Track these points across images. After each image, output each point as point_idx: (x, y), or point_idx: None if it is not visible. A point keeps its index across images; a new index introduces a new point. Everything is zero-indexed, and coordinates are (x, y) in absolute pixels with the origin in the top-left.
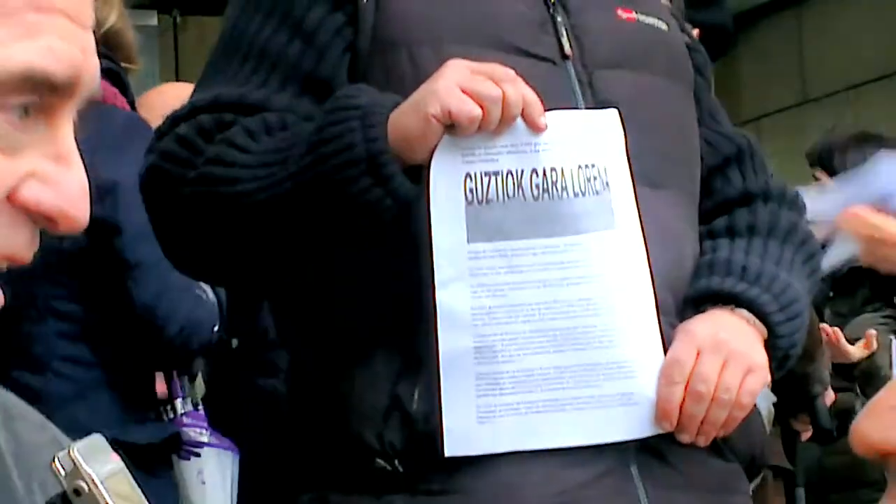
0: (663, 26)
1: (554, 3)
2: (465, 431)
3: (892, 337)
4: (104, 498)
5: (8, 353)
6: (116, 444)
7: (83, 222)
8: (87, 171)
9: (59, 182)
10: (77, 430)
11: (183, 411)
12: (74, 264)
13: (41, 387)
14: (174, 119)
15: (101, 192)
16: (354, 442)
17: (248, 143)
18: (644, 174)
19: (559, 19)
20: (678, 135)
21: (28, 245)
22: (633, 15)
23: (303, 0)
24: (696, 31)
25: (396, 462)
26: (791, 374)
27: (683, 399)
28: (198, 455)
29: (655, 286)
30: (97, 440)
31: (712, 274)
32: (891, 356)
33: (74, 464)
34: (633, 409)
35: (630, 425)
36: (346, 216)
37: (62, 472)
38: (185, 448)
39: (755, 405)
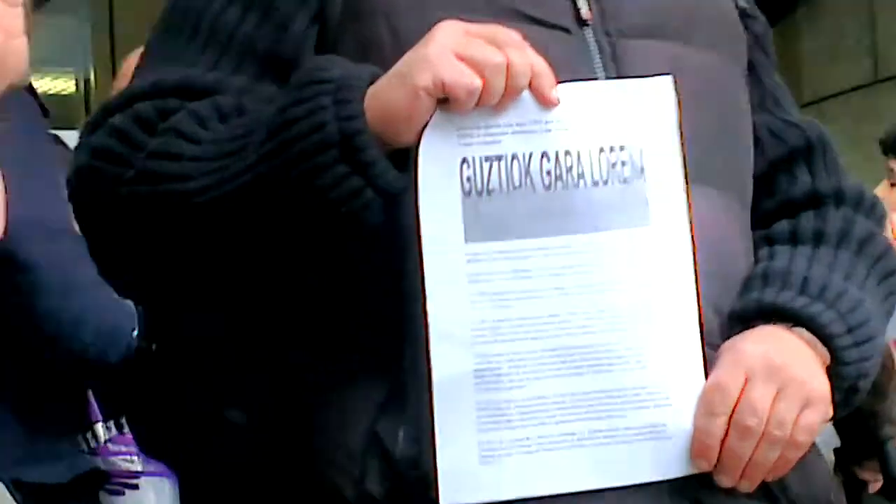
0: None
1: None
2: (464, 474)
3: None
4: None
5: None
6: (19, 487)
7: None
8: None
9: None
10: None
11: (107, 437)
12: None
13: None
14: (105, 109)
15: None
16: (326, 492)
17: (198, 132)
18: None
19: None
20: (723, 121)
21: None
22: None
23: None
24: None
25: None
26: (858, 412)
27: (726, 434)
28: (135, 487)
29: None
30: None
31: (766, 286)
32: None
33: None
34: (665, 444)
35: (661, 464)
36: (318, 214)
37: None
38: (113, 481)
39: (815, 445)
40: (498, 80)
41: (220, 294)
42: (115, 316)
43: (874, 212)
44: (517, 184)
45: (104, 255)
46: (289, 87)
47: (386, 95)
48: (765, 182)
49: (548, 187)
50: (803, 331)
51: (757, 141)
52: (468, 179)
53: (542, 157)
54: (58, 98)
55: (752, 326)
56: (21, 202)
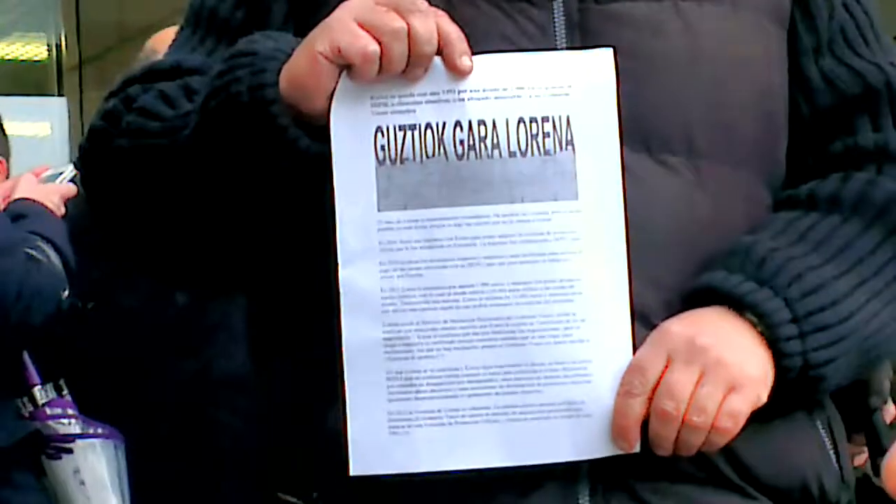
0: None
1: None
2: (374, 445)
3: None
4: None
5: None
6: None
7: None
8: None
9: None
10: None
11: (45, 401)
12: None
13: None
14: (111, 93)
15: None
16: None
17: (161, 110)
18: (659, 138)
19: None
20: (724, 81)
21: None
22: None
23: None
24: None
25: (315, 494)
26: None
27: (648, 418)
28: (69, 451)
29: (632, 278)
30: None
31: (721, 267)
32: None
33: None
34: (584, 422)
35: (579, 444)
36: (246, 183)
37: None
38: (51, 446)
39: (814, 427)
40: (397, 45)
41: (189, 243)
42: (37, 280)
43: None
44: (430, 153)
45: (102, 209)
46: (223, 59)
47: (292, 63)
48: (819, 134)
49: (461, 156)
50: (749, 312)
51: (809, 89)
52: (382, 148)
53: (456, 126)
54: (29, 64)
55: (697, 306)
56: None
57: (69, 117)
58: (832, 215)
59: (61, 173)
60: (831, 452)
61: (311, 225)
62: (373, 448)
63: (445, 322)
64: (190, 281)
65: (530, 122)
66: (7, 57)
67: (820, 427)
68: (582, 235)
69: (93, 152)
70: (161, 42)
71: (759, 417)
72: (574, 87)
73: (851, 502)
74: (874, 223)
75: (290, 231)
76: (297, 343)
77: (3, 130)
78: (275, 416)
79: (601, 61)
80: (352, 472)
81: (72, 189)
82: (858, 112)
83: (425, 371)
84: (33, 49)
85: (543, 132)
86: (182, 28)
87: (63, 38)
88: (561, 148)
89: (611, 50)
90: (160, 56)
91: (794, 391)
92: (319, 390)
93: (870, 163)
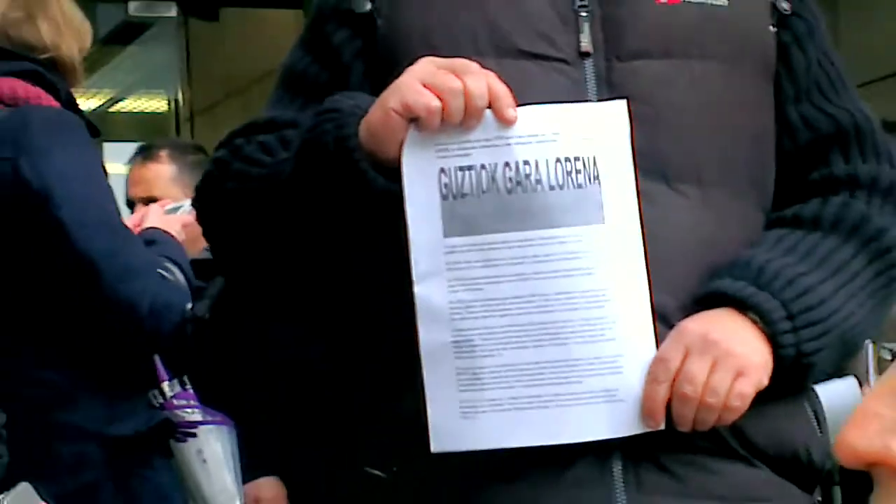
0: (721, 1)
1: None
2: (449, 427)
3: (870, 343)
4: None
5: None
6: (106, 442)
7: None
8: (15, 172)
9: None
10: (66, 435)
11: (172, 394)
12: (27, 268)
13: (23, 398)
14: (220, 144)
15: (37, 201)
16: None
17: (262, 158)
18: (672, 170)
19: (584, 15)
20: (731, 125)
21: None
22: None
23: (332, 25)
24: None
25: (394, 468)
26: None
27: (671, 401)
28: (193, 435)
29: (653, 286)
30: (24, 489)
31: (727, 274)
32: (868, 363)
33: None
34: (617, 406)
35: (612, 423)
36: (333, 217)
37: None
38: (178, 431)
39: (805, 406)
40: (455, 101)
41: (298, 288)
42: (168, 295)
43: (891, 194)
44: (485, 188)
45: (214, 238)
46: (313, 115)
47: (369, 118)
48: (800, 166)
49: (510, 191)
50: (752, 313)
51: (791, 129)
52: (445, 185)
53: (505, 166)
54: (152, 115)
55: (708, 308)
56: (84, 209)
57: None
58: (815, 232)
59: (181, 206)
60: (816, 427)
61: (385, 250)
62: (448, 430)
63: (502, 327)
64: (286, 296)
65: (565, 161)
66: (134, 110)
67: (807, 407)
68: (608, 252)
69: (205, 192)
70: None
71: (759, 399)
72: (598, 133)
73: (834, 468)
74: (850, 238)
75: (367, 256)
76: (374, 346)
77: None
78: (359, 405)
79: (618, 111)
80: (433, 450)
81: (189, 219)
82: (832, 148)
83: (487, 367)
84: (155, 103)
85: (576, 169)
86: (276, 88)
87: (180, 94)
88: (590, 182)
89: (625, 101)
90: None
91: (788, 377)
92: (394, 384)
93: (843, 189)
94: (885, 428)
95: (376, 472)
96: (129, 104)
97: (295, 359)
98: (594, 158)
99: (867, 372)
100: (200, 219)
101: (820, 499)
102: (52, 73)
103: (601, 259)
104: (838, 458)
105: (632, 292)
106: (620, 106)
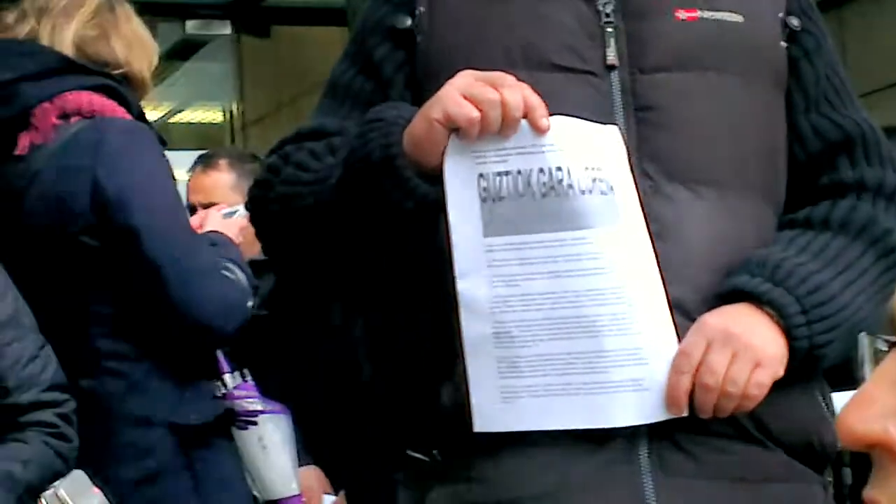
0: (736, 18)
1: (609, 14)
2: (490, 410)
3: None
4: None
5: (66, 364)
6: (175, 429)
7: None
8: (93, 181)
9: None
10: (136, 422)
11: (234, 385)
12: (104, 270)
13: (96, 387)
14: (275, 145)
15: (113, 205)
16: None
17: (311, 164)
18: (691, 173)
19: (609, 30)
20: (745, 133)
21: None
22: (696, 13)
23: (374, 40)
24: None
25: (435, 452)
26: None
27: (694, 391)
28: (254, 423)
29: (667, 281)
30: (79, 476)
31: (744, 271)
32: (860, 351)
33: (60, 501)
34: (644, 394)
35: (639, 410)
36: (378, 220)
37: None
38: (240, 419)
39: (813, 393)
40: (493, 112)
41: (345, 280)
42: (231, 296)
43: (894, 197)
44: (521, 192)
45: (268, 240)
46: (358, 124)
47: (412, 127)
48: (810, 171)
49: (544, 195)
50: (768, 307)
51: (802, 137)
52: (484, 189)
53: (540, 172)
54: (208, 126)
55: (727, 303)
56: (155, 216)
57: None
58: (825, 233)
59: (236, 210)
60: (827, 414)
61: (426, 250)
62: (490, 413)
63: (537, 320)
64: (333, 294)
65: (592, 169)
66: (191, 121)
67: (818, 395)
68: (627, 253)
69: (259, 197)
70: None
71: (774, 387)
72: (609, 148)
73: (844, 452)
74: (857, 238)
75: (408, 256)
76: (415, 338)
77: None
78: (400, 394)
79: (612, 135)
80: (475, 430)
81: (245, 223)
82: (840, 154)
83: (524, 357)
84: (210, 114)
85: (600, 178)
86: (323, 98)
87: (234, 106)
88: (609, 190)
89: (615, 128)
90: None
91: (801, 367)
92: (434, 374)
93: (850, 192)
94: (884, 413)
95: (419, 456)
96: (187, 115)
97: (340, 352)
98: (609, 169)
99: (861, 361)
100: (254, 220)
101: (831, 479)
102: (124, 87)
103: (621, 258)
104: (840, 438)
105: (650, 289)
106: (613, 131)
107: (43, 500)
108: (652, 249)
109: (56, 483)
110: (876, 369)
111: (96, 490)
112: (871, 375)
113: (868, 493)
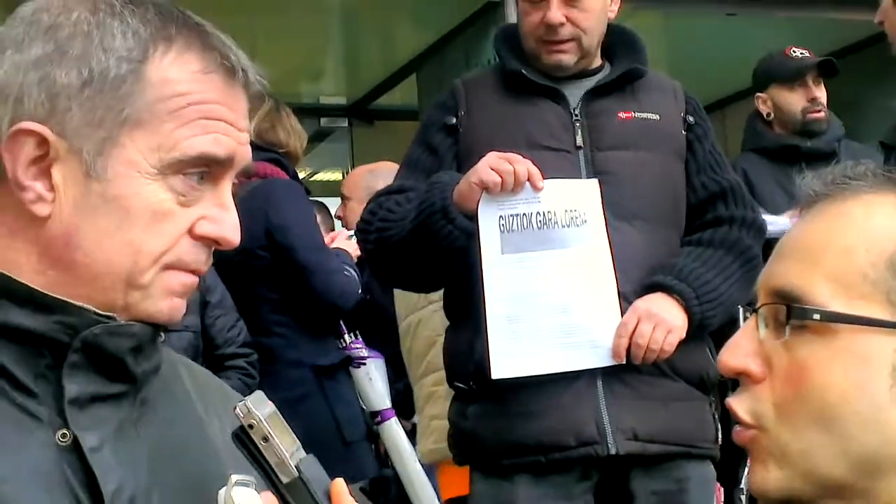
0: (655, 117)
1: (577, 114)
2: (504, 363)
3: (741, 308)
4: (266, 428)
5: (250, 329)
6: (317, 370)
7: (236, 243)
8: (266, 216)
9: (221, 220)
10: (290, 364)
11: (350, 341)
12: (272, 271)
13: (269, 343)
14: (373, 196)
15: (278, 229)
16: (455, 375)
17: (396, 209)
18: (629, 213)
19: (578, 124)
20: (661, 188)
21: (206, 261)
22: (632, 114)
23: (433, 131)
24: None
25: (471, 383)
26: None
27: (630, 347)
28: (364, 364)
29: (619, 280)
30: (259, 394)
31: (662, 273)
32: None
33: (248, 409)
34: (600, 350)
35: (598, 359)
36: (438, 244)
37: (240, 414)
38: (355, 362)
39: (705, 347)
40: (509, 178)
41: (425, 282)
42: (349, 285)
43: (753, 226)
44: (525, 227)
45: (371, 257)
46: (426, 185)
47: (459, 187)
48: (700, 211)
49: (540, 228)
50: (676, 295)
51: (695, 190)
52: (502, 225)
53: (536, 213)
54: (332, 183)
55: (651, 293)
56: (303, 238)
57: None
58: (710, 249)
59: (353, 234)
60: (711, 359)
61: (466, 262)
62: (503, 364)
63: (536, 305)
64: (418, 287)
65: (572, 210)
66: (322, 180)
67: (706, 347)
68: (593, 262)
69: (363, 229)
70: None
71: (680, 344)
72: (584, 197)
73: (726, 382)
74: (729, 251)
75: (457, 265)
76: (464, 311)
77: (328, 211)
78: (452, 348)
79: (593, 186)
80: (493, 377)
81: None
82: (718, 200)
83: (527, 329)
84: (333, 176)
85: (576, 216)
86: (401, 167)
87: (349, 171)
88: (583, 223)
89: (595, 181)
90: (379, 182)
91: (696, 331)
92: (471, 333)
93: (725, 223)
94: (745, 353)
95: (461, 385)
96: (320, 177)
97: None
98: (584, 210)
99: (738, 324)
100: (360, 243)
101: (714, 399)
102: (285, 159)
103: (590, 266)
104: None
105: (605, 284)
106: (594, 183)
107: (237, 407)
108: (610, 259)
109: (245, 398)
110: (742, 326)
111: (270, 403)
112: (738, 330)
113: (728, 400)
